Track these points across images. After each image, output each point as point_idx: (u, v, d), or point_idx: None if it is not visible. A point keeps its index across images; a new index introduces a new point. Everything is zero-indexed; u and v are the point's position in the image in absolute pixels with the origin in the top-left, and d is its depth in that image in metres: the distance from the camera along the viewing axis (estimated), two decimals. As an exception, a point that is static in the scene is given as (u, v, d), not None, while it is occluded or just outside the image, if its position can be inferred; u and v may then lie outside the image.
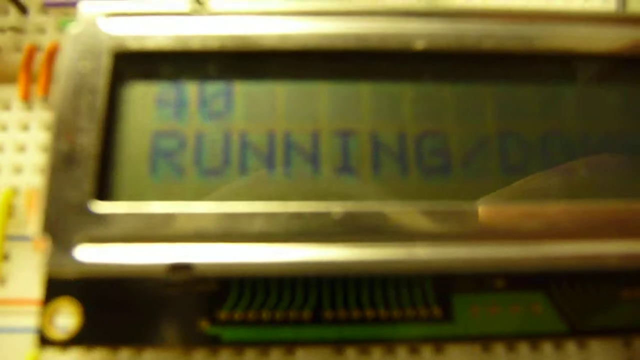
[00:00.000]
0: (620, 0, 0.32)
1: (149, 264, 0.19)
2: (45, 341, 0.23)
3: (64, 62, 0.21)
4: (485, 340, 0.24)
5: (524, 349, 0.26)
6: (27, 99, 0.29)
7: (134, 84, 0.21)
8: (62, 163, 0.20)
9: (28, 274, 0.26)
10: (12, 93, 0.29)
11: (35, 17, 0.30)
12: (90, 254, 0.19)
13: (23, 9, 0.30)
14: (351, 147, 0.21)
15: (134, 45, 0.22)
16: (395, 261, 0.19)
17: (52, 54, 0.29)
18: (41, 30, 0.30)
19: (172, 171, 0.21)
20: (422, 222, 0.20)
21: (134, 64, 0.21)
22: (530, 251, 0.20)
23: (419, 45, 0.22)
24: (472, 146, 0.21)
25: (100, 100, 0.21)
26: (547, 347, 0.26)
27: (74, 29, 0.22)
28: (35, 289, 0.26)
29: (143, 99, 0.21)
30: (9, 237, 0.27)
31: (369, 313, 0.23)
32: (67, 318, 0.24)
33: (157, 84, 0.22)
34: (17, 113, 0.29)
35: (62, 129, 0.20)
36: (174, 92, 0.21)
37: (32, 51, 0.29)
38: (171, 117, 0.21)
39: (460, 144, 0.21)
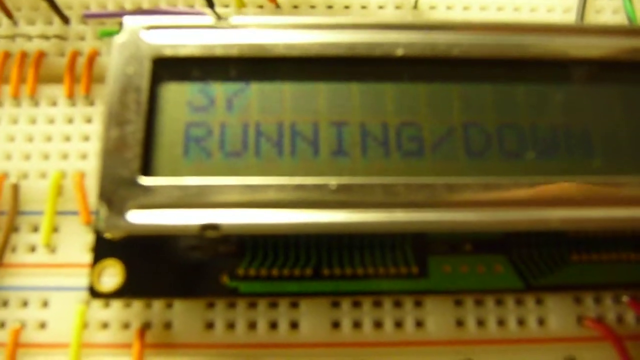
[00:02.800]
0: (580, 13, 0.37)
1: (185, 224, 0.24)
2: (95, 294, 0.29)
3: (113, 66, 0.27)
4: (455, 294, 0.30)
5: (489, 303, 0.31)
6: (71, 96, 0.34)
7: (170, 83, 0.27)
8: (113, 147, 0.25)
9: (74, 243, 0.31)
10: (58, 91, 0.34)
11: (76, 27, 0.36)
12: (138, 217, 0.25)
13: (65, 19, 0.36)
14: (344, 134, 0.26)
15: (169, 52, 0.27)
16: (379, 222, 0.24)
17: (91, 59, 0.35)
18: (81, 37, 0.36)
19: (201, 153, 0.26)
20: (401, 193, 0.25)
21: (169, 68, 0.27)
22: (490, 217, 0.25)
23: (399, 52, 0.27)
24: (441, 134, 0.26)
25: (143, 97, 0.26)
26: (510, 302, 0.31)
27: (119, 39, 0.27)
28: (80, 255, 0.31)
29: (177, 96, 0.26)
30: (58, 212, 0.32)
31: (360, 271, 0.28)
32: (112, 275, 0.29)
33: (188, 83, 0.27)
34: (62, 108, 0.34)
35: (113, 120, 0.26)
36: (202, 90, 0.27)
37: (75, 56, 0.35)
38: (200, 110, 0.26)
39: (432, 132, 0.26)
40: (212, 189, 0.25)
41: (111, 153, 0.25)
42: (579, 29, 0.30)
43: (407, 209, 0.25)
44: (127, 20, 0.27)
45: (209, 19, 0.27)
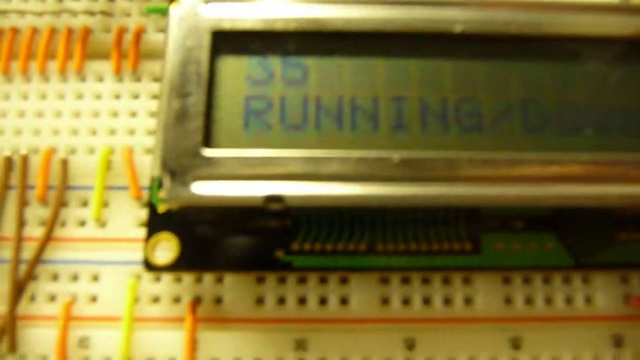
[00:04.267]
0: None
1: (249, 196, 0.24)
2: (149, 267, 0.29)
3: (172, 39, 0.27)
4: (506, 271, 0.30)
5: (537, 281, 0.31)
6: (118, 72, 0.34)
7: (229, 57, 0.27)
8: (174, 119, 0.25)
9: (124, 218, 0.32)
10: (105, 67, 0.34)
11: (121, 3, 0.36)
12: (201, 188, 0.25)
13: (111, -4, 0.36)
14: (404, 109, 0.26)
15: (228, 25, 0.27)
16: (439, 196, 0.24)
17: (138, 35, 0.35)
18: (127, 14, 0.36)
19: (261, 126, 0.26)
20: (460, 168, 0.25)
21: (228, 41, 0.27)
22: (548, 192, 0.25)
23: (457, 28, 0.27)
24: (500, 110, 0.27)
25: (203, 69, 0.26)
26: (557, 281, 0.31)
27: (177, 11, 0.27)
28: (130, 229, 0.31)
29: (237, 69, 0.26)
30: (107, 187, 0.32)
31: (413, 246, 0.29)
32: (166, 250, 0.29)
33: (247, 57, 0.27)
34: (109, 84, 0.34)
35: (174, 92, 0.26)
36: (261, 64, 0.27)
37: (121, 32, 0.35)
38: (260, 84, 0.27)
39: (491, 108, 0.26)
40: (273, 161, 0.25)
41: (173, 125, 0.25)
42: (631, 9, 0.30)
43: (467, 183, 0.25)
44: (185, -7, 0.27)
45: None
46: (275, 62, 0.27)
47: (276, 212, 0.24)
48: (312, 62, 0.27)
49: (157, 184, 0.28)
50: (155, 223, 0.29)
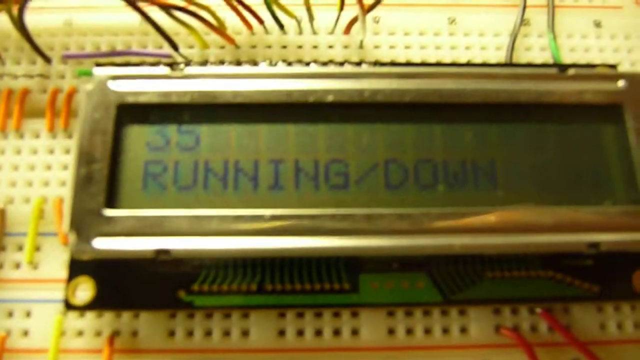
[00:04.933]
0: (509, 50, 0.41)
1: (142, 249, 0.29)
2: (69, 306, 0.33)
3: (83, 112, 0.31)
4: (383, 307, 0.34)
5: (418, 314, 0.35)
6: (52, 130, 0.38)
7: (132, 126, 0.31)
8: (82, 182, 0.30)
9: (54, 260, 0.36)
10: (41, 125, 0.39)
11: (57, 66, 0.40)
12: (102, 244, 0.29)
13: (48, 59, 0.40)
14: (280, 170, 0.31)
15: (131, 99, 0.31)
16: (306, 248, 0.29)
17: (70, 96, 0.39)
18: (61, 76, 0.40)
19: (157, 188, 0.30)
20: (330, 222, 0.30)
21: (131, 113, 0.31)
22: (402, 243, 0.29)
23: (329, 98, 0.31)
24: (365, 169, 0.31)
25: (108, 138, 0.30)
26: (436, 313, 0.35)
27: (88, 87, 0.31)
28: (59, 271, 0.35)
29: (138, 137, 0.31)
30: (40, 233, 0.36)
31: (298, 286, 0.33)
32: (84, 290, 0.33)
33: (147, 126, 0.31)
34: (44, 141, 0.38)
35: (82, 159, 0.30)
36: (159, 132, 0.31)
37: (55, 93, 0.39)
38: (157, 150, 0.31)
39: (357, 167, 0.31)
40: (165, 220, 0.29)
41: (80, 188, 0.29)
42: (486, 74, 0.34)
43: (332, 236, 0.29)
44: (96, 70, 0.32)
45: (165, 69, 0.32)
46: (171, 130, 0.31)
47: (166, 262, 0.29)
48: (203, 130, 0.31)
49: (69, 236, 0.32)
50: (75, 268, 0.33)
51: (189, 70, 0.31)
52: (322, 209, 0.30)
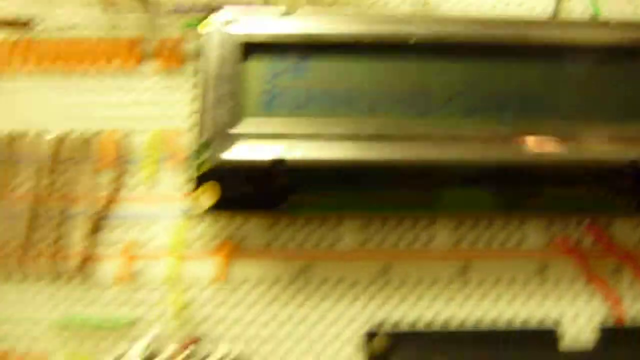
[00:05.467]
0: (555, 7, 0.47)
1: (261, 159, 0.35)
2: (194, 211, 0.39)
3: (205, 51, 0.37)
4: (455, 216, 0.40)
5: (483, 224, 0.41)
6: (166, 69, 0.44)
7: (251, 61, 0.37)
8: (209, 107, 0.36)
9: (173, 180, 0.41)
10: (155, 67, 0.44)
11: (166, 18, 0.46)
12: (227, 156, 0.35)
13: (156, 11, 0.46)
14: (378, 98, 0.37)
15: (249, 38, 0.37)
16: (403, 159, 0.35)
17: (179, 42, 0.45)
18: (169, 26, 0.45)
19: (275, 109, 0.36)
20: (419, 140, 0.36)
21: (249, 49, 0.37)
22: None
23: (412, 39, 0.37)
24: (445, 98, 0.37)
25: (229, 71, 0.36)
26: (498, 224, 0.41)
27: (209, 28, 0.38)
28: (178, 189, 0.41)
29: (257, 70, 0.37)
30: (160, 158, 0.42)
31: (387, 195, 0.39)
32: (205, 200, 0.39)
33: (265, 61, 0.37)
34: (159, 80, 0.44)
35: (209, 88, 0.36)
36: (274, 66, 0.37)
37: (166, 41, 0.45)
38: (275, 77, 0.37)
39: (440, 97, 0.37)
40: (281, 135, 0.35)
41: (208, 112, 0.36)
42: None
43: (419, 150, 0.35)
44: (217, 13, 0.38)
45: (280, 10, 0.38)
46: (286, 64, 0.37)
47: (281, 171, 0.35)
48: (313, 64, 0.37)
49: (198, 151, 0.38)
50: (197, 179, 0.39)
51: (300, 12, 0.38)
52: (414, 128, 0.36)
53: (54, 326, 0.39)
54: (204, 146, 0.35)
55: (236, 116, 0.36)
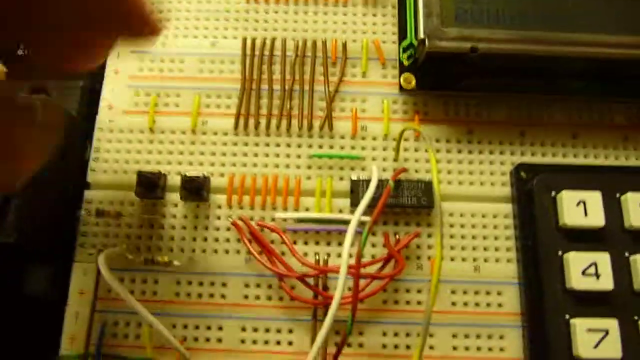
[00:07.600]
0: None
1: (462, 46, 0.56)
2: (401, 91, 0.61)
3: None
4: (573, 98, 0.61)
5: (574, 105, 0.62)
6: None
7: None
8: (426, 15, 0.58)
9: (380, 73, 0.63)
10: None
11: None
12: (440, 45, 0.57)
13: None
14: (548, 13, 0.58)
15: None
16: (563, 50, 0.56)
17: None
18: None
19: (464, 20, 0.58)
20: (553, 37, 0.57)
21: None
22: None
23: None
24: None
25: (437, -7, 0.58)
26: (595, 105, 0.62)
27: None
28: (384, 76, 0.63)
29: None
30: (369, 58, 0.64)
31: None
32: (409, 81, 0.61)
33: None
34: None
35: (423, 4, 0.58)
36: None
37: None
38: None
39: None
40: (473, 32, 0.57)
41: (426, 17, 0.57)
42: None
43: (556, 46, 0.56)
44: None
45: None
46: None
47: (474, 56, 0.56)
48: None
49: (417, 45, 0.59)
50: (404, 68, 0.60)
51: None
52: (558, 35, 0.57)
53: (307, 160, 0.60)
54: (421, 43, 0.57)
55: (443, 22, 0.57)
